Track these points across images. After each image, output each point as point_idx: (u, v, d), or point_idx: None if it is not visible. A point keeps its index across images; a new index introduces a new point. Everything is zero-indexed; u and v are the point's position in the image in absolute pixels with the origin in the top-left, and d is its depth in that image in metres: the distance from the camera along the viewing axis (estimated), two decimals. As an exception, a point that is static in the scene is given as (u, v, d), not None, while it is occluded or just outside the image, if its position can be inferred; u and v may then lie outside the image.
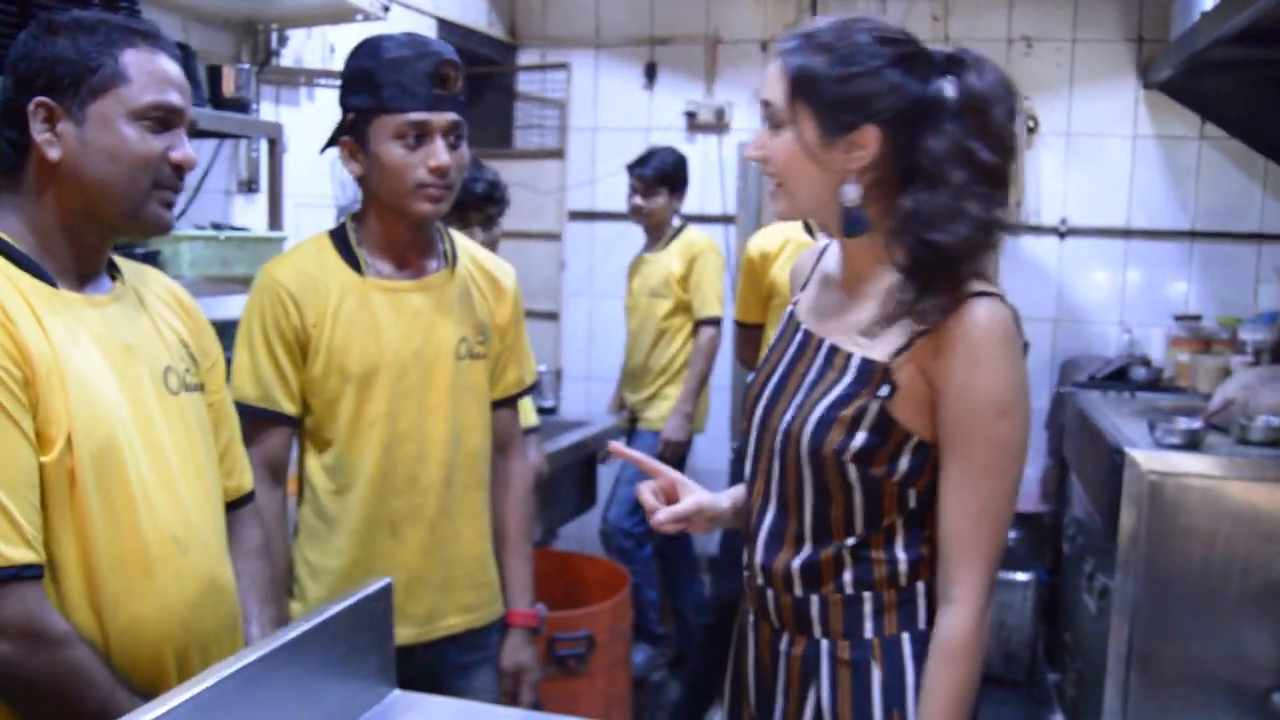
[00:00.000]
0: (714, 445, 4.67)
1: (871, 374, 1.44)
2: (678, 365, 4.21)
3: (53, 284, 1.42)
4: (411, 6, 4.24)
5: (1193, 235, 4.51)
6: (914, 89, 1.41)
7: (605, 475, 4.36)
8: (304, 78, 3.57)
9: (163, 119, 1.45)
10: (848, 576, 1.49)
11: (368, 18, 3.21)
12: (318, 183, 3.59)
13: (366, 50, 1.92)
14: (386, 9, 3.22)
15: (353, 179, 1.98)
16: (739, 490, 1.70)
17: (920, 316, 1.40)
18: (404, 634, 1.97)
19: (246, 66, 2.82)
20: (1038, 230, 4.61)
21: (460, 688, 2.10)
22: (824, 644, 1.51)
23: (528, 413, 2.93)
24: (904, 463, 1.44)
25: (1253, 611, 2.68)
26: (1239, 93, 3.91)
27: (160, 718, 1.19)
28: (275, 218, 2.98)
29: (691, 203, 4.53)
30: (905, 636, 1.48)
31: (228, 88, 2.73)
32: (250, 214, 3.34)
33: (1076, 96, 4.58)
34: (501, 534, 2.21)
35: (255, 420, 1.95)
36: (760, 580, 1.57)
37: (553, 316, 5.23)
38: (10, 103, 1.42)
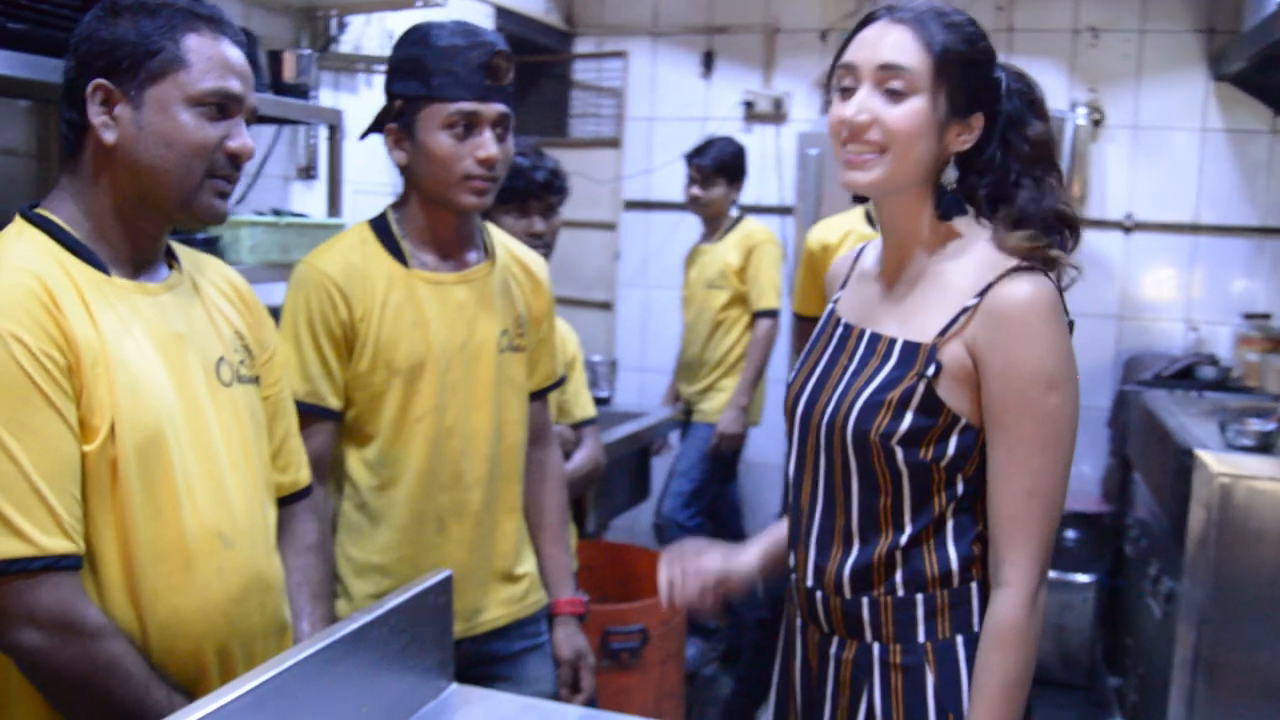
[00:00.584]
0: (769, 438, 4.60)
1: (916, 356, 1.43)
2: (734, 357, 4.17)
3: (105, 271, 1.40)
4: (470, -6, 4.22)
5: (1263, 231, 4.40)
6: (1000, 86, 1.47)
7: (659, 467, 4.33)
8: (363, 64, 3.56)
9: (221, 106, 1.43)
10: (899, 577, 1.46)
11: (427, 4, 3.20)
12: (375, 170, 3.58)
13: (416, 37, 1.89)
14: (446, -5, 3.20)
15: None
16: (771, 538, 1.70)
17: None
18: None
19: (307, 52, 2.80)
20: (1101, 225, 4.51)
21: (511, 676, 2.10)
22: (875, 648, 1.48)
23: (585, 403, 2.90)
24: (951, 445, 1.42)
25: (1327, 620, 2.61)
26: (1315, 86, 3.81)
27: (220, 710, 1.19)
28: (334, 204, 2.97)
29: (749, 193, 4.47)
30: (960, 639, 1.45)
31: (288, 73, 2.72)
32: (308, 200, 3.34)
33: (1144, 88, 4.47)
34: (539, 523, 2.21)
35: (302, 416, 1.90)
36: (810, 582, 1.53)
37: (606, 306, 5.20)
38: (71, 84, 1.41)
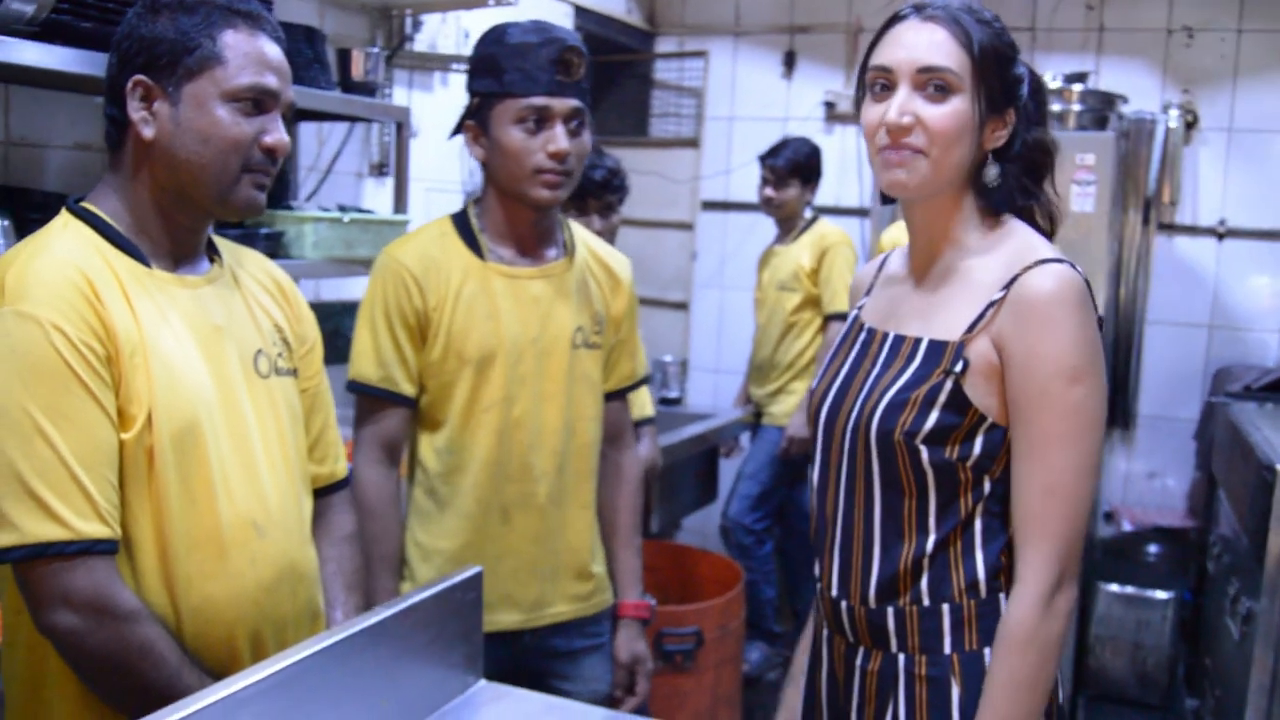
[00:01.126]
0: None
1: (942, 353, 1.40)
2: (805, 360, 4.12)
3: (146, 263, 1.43)
4: (549, -7, 4.24)
5: (1365, 239, 4.22)
6: (1023, 80, 1.46)
7: (727, 469, 4.30)
8: (437, 63, 3.60)
9: (257, 101, 1.44)
10: (924, 585, 1.43)
11: (499, 2, 3.22)
12: (449, 167, 3.61)
13: (493, 36, 1.94)
14: (518, -7, 3.22)
15: (475, 168, 2.00)
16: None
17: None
18: (511, 619, 2.01)
19: (375, 50, 2.84)
20: (1193, 231, 4.37)
21: (568, 674, 2.11)
22: (901, 659, 1.45)
23: (644, 403, 2.90)
24: (978, 445, 1.39)
25: None
26: None
27: (239, 693, 1.21)
28: (400, 201, 3.00)
29: (828, 195, 4.42)
30: (988, 652, 1.41)
31: (356, 71, 2.76)
32: (380, 197, 3.38)
33: (1240, 90, 4.31)
34: (612, 525, 2.20)
35: (374, 400, 1.98)
36: (835, 592, 1.51)
37: (682, 307, 5.19)
38: (113, 80, 1.44)
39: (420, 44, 3.53)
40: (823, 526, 1.54)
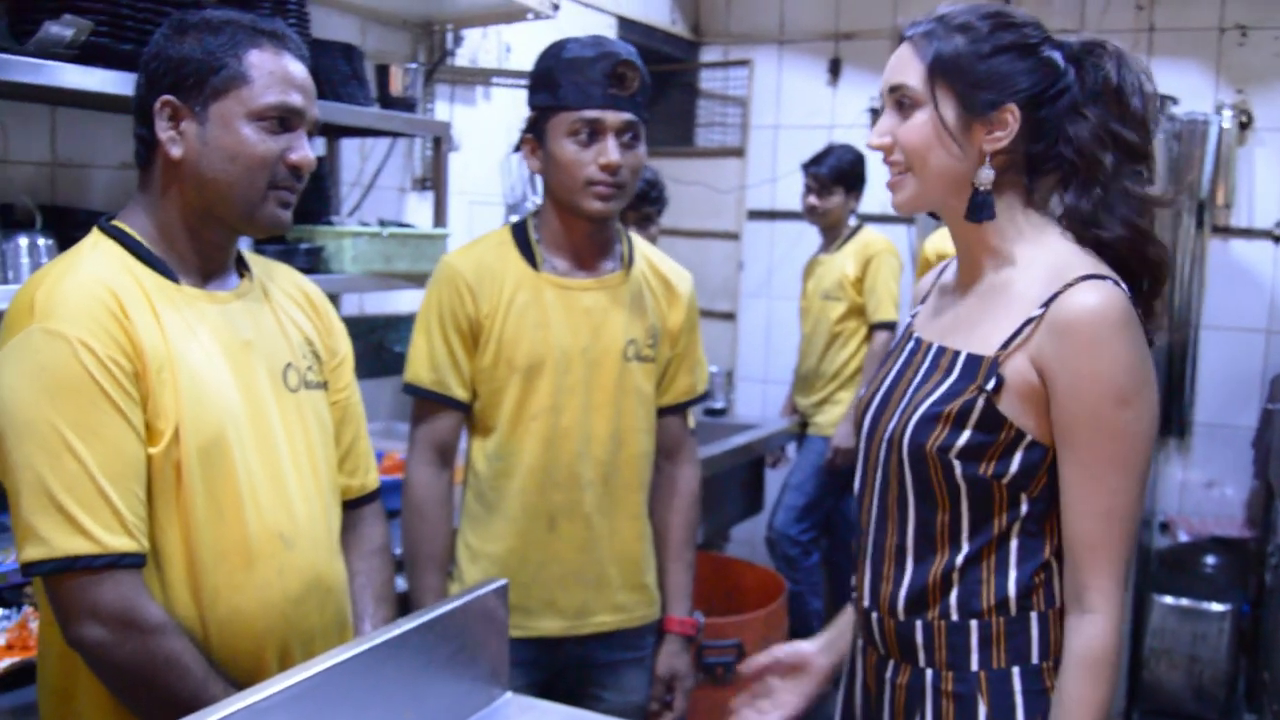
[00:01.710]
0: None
1: (977, 369, 1.37)
2: (850, 370, 4.09)
3: (175, 279, 1.45)
4: (591, 5, 4.25)
5: None
6: (1057, 70, 1.39)
7: (774, 479, 4.28)
8: (479, 77, 3.63)
9: (283, 120, 1.46)
10: (953, 600, 1.40)
11: (538, 16, 3.23)
12: (491, 181, 3.64)
13: (551, 51, 1.98)
14: (556, 7, 3.23)
15: (523, 178, 2.02)
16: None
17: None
18: (554, 626, 2.04)
19: (414, 66, 2.86)
20: (1248, 234, 4.28)
21: (607, 683, 2.12)
22: (929, 674, 1.43)
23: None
24: (1016, 462, 1.36)
25: None
26: None
27: (260, 703, 1.21)
28: (440, 214, 3.02)
29: (875, 203, 4.38)
30: (1016, 671, 1.38)
31: (395, 87, 2.79)
32: (423, 211, 3.41)
33: (1297, 89, 4.23)
34: (663, 539, 2.21)
35: (428, 403, 2.03)
36: (867, 603, 1.49)
37: (729, 317, 5.17)
38: (141, 100, 1.47)
39: (462, 58, 3.56)
40: (859, 536, 1.53)
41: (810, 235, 4.51)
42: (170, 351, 1.39)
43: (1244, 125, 4.25)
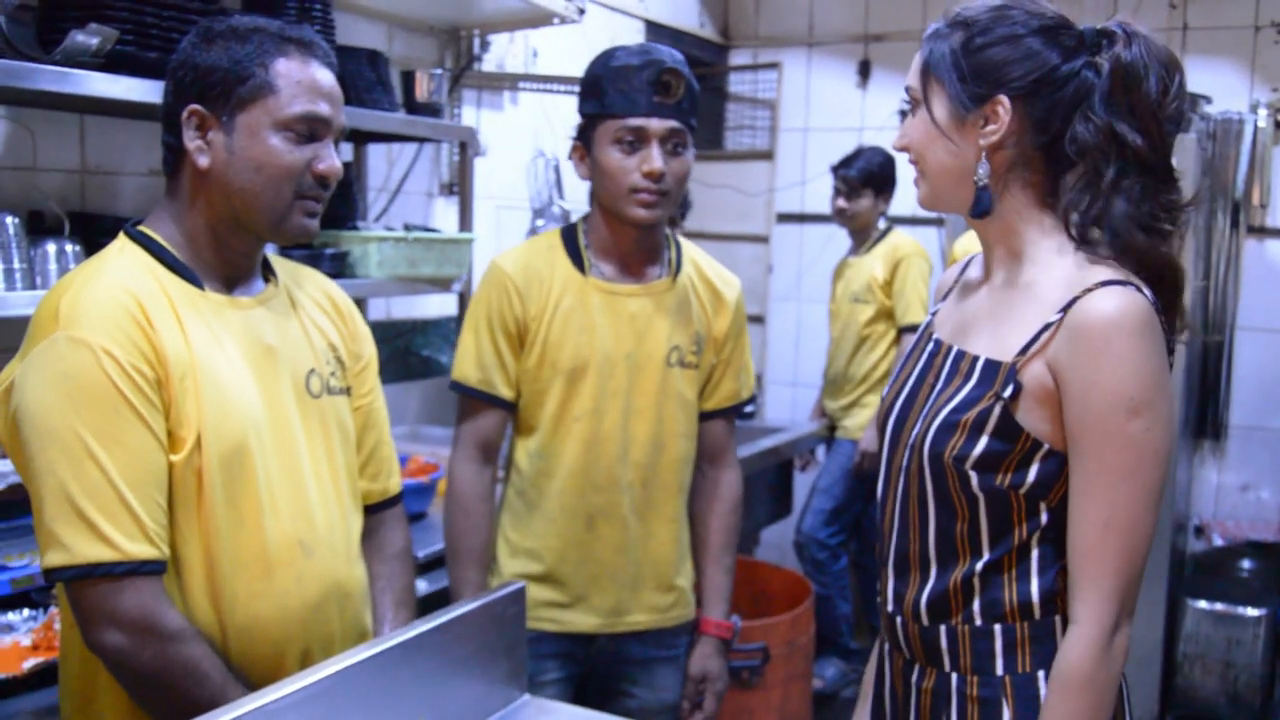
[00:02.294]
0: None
1: (995, 375, 1.35)
2: (879, 373, 4.07)
3: (199, 285, 1.46)
4: (619, 9, 4.26)
5: None
6: (1051, 60, 1.34)
7: (803, 482, 4.26)
8: (506, 82, 3.64)
9: (310, 129, 1.47)
10: (977, 605, 1.39)
11: (564, 20, 3.24)
12: (519, 185, 3.65)
13: (600, 60, 2.01)
14: (582, 11, 3.24)
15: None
16: None
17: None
18: (588, 623, 2.08)
19: (439, 72, 2.88)
20: (1283, 234, 4.22)
21: (640, 680, 2.16)
22: (954, 678, 1.41)
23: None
24: (1033, 472, 1.33)
25: None
26: None
27: (271, 704, 1.23)
28: (465, 219, 3.03)
29: (905, 205, 4.36)
30: (1041, 675, 1.36)
31: (420, 93, 2.80)
32: (450, 216, 3.43)
33: (1334, 87, 4.17)
34: (704, 542, 2.23)
35: (473, 401, 2.07)
36: (890, 607, 1.48)
37: (758, 320, 5.16)
38: (169, 109, 1.47)
39: (489, 63, 3.58)
40: (882, 540, 1.51)
41: (840, 238, 4.49)
42: (193, 359, 1.40)
43: (1279, 124, 4.20)
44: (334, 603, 1.53)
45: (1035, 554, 1.37)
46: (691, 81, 1.98)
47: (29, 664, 1.68)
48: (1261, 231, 4.25)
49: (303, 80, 1.46)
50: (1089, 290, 1.29)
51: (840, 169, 4.09)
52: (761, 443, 3.82)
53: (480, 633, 1.52)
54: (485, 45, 3.52)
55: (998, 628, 1.38)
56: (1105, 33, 1.35)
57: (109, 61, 1.99)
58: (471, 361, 2.05)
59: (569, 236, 2.09)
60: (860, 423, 4.07)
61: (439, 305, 3.40)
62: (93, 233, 2.14)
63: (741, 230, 5.11)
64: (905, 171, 4.26)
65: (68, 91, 1.93)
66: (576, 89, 2.06)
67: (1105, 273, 1.31)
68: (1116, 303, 1.28)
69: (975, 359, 1.39)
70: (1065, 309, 1.31)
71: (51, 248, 2.02)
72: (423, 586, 2.20)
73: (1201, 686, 3.67)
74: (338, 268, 2.54)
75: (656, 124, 1.94)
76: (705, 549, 2.22)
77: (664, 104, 1.94)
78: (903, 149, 1.44)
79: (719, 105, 5.25)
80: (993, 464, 1.34)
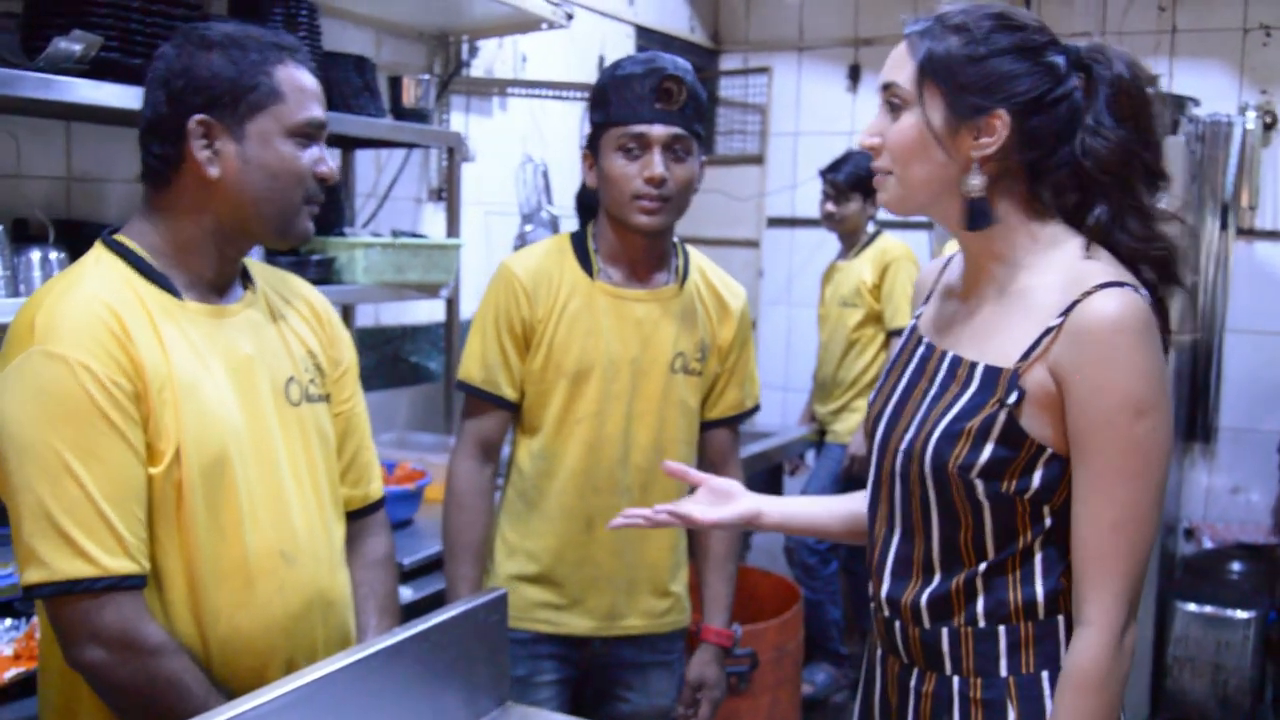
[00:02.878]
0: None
1: (997, 382, 1.34)
2: (868, 378, 4.07)
3: (178, 295, 1.45)
4: (610, 14, 4.27)
5: None
6: (1051, 78, 1.35)
7: (792, 487, 4.27)
8: (494, 87, 3.64)
9: (310, 134, 1.48)
10: (980, 607, 1.38)
11: (551, 26, 3.24)
12: (508, 191, 3.65)
13: (608, 70, 2.03)
14: (570, 17, 3.24)
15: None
16: (845, 502, 1.67)
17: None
18: (583, 625, 2.10)
19: (427, 77, 2.88)
20: (1274, 236, 4.23)
21: (634, 684, 2.17)
22: (955, 681, 1.40)
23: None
24: (1037, 478, 1.33)
25: None
26: None
27: (247, 713, 1.22)
28: (453, 225, 3.04)
29: (893, 208, 4.37)
30: (1045, 675, 1.37)
31: (407, 98, 2.80)
32: (439, 221, 3.43)
33: (1322, 90, 4.18)
34: (705, 549, 2.24)
35: (477, 400, 2.09)
36: (887, 612, 1.47)
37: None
38: (164, 119, 1.44)
39: (477, 69, 3.58)
40: (873, 544, 1.50)
41: (830, 242, 4.49)
42: (171, 370, 1.39)
43: (1268, 126, 4.22)
44: (317, 611, 1.53)
45: (1039, 556, 1.37)
46: (696, 89, 1.99)
47: (10, 674, 1.67)
48: (1250, 233, 4.26)
49: (301, 87, 1.48)
50: (1088, 293, 1.30)
51: (828, 173, 4.09)
52: (751, 447, 3.82)
53: (461, 640, 1.52)
54: (474, 51, 3.52)
55: (1002, 629, 1.38)
56: (1095, 51, 1.37)
57: (93, 68, 1.99)
58: (477, 361, 2.07)
59: (579, 241, 2.11)
60: (849, 427, 4.07)
61: (427, 311, 3.39)
62: (78, 240, 2.13)
63: (732, 235, 5.11)
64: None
65: (52, 98, 1.94)
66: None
67: (1101, 273, 1.31)
68: (1118, 305, 1.28)
69: (974, 365, 1.38)
70: (1065, 312, 1.31)
71: (36, 255, 2.03)
72: (408, 594, 2.20)
73: (1191, 689, 3.68)
74: (324, 274, 2.54)
75: (658, 130, 1.95)
76: (708, 557, 2.23)
77: (665, 110, 1.95)
78: (871, 149, 1.40)
79: (709, 110, 5.25)
80: (998, 471, 1.34)
